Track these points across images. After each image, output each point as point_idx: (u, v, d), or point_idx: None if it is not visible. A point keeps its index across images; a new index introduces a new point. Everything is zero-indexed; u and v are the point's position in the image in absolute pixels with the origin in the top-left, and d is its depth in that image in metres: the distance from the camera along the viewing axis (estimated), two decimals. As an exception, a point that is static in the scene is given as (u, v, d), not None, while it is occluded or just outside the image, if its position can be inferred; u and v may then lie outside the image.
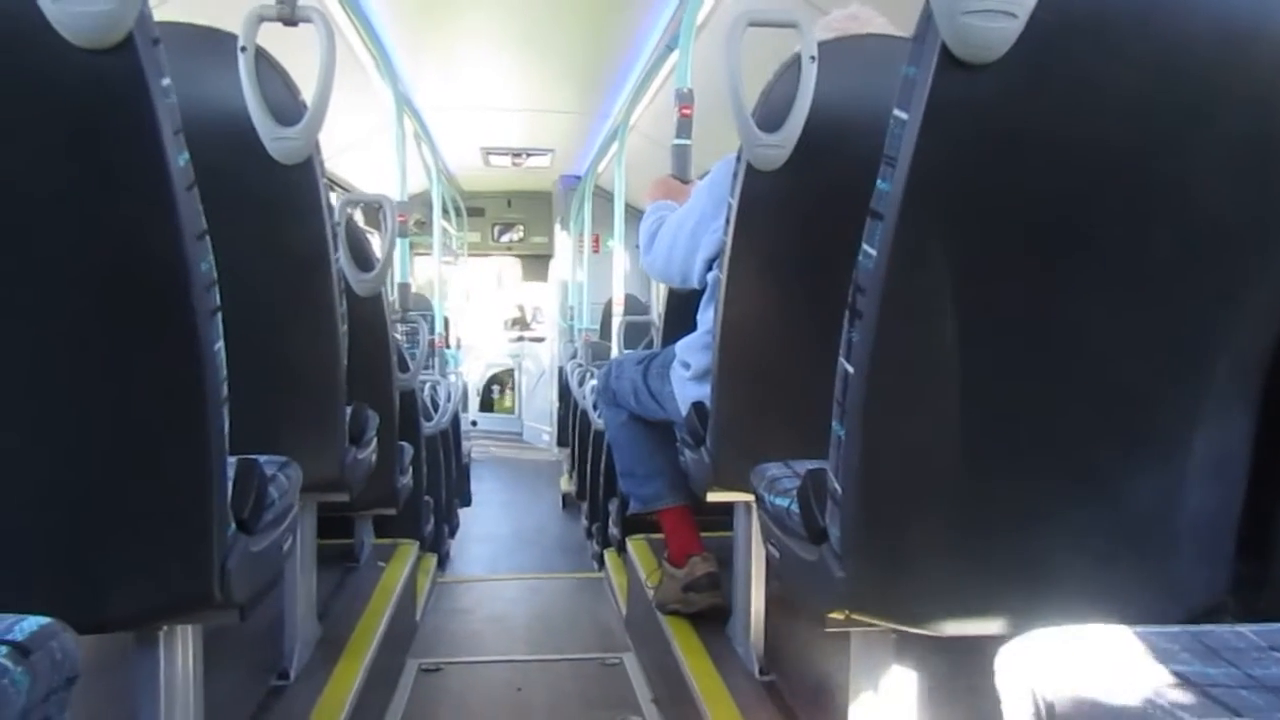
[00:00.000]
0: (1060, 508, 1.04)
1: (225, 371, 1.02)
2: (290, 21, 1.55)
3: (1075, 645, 0.72)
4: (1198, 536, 1.06)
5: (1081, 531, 1.04)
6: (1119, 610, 1.00)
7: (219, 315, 1.00)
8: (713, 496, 1.78)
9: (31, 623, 0.76)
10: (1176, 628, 0.76)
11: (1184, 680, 0.66)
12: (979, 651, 1.10)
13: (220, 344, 1.00)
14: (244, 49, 1.46)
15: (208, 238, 0.97)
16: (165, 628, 1.18)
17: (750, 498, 1.57)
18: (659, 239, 2.05)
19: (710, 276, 1.86)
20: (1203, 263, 0.96)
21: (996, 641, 0.84)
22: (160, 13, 0.91)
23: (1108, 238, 0.94)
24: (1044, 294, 0.96)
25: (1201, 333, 0.99)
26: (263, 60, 1.48)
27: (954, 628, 1.10)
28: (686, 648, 2.01)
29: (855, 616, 1.09)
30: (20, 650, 0.71)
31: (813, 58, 1.49)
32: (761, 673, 1.85)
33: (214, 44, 1.48)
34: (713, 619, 2.13)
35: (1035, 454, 1.02)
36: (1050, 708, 0.69)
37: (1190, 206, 0.93)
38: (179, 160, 0.91)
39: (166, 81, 0.89)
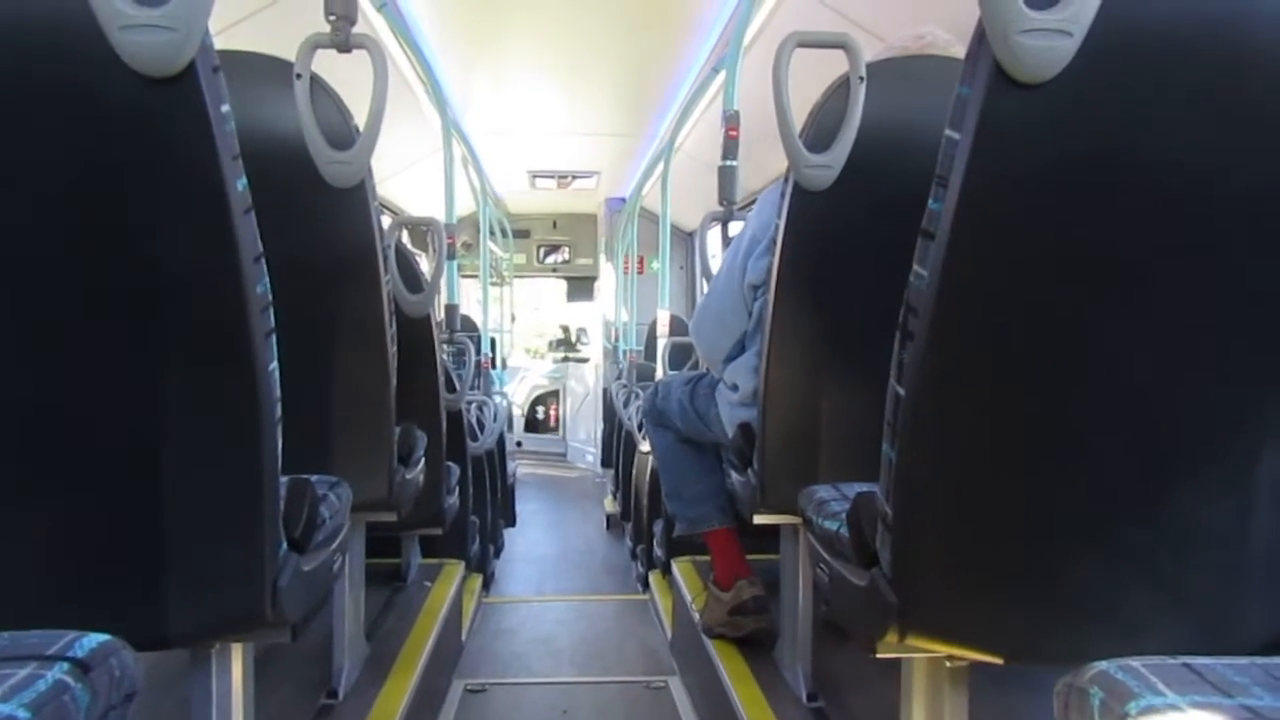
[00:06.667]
0: (1121, 533, 1.01)
1: (280, 392, 1.03)
2: (344, 49, 1.58)
3: (1139, 677, 0.70)
4: (1268, 566, 1.03)
5: (1144, 559, 1.01)
6: (1183, 642, 0.97)
7: (274, 337, 1.01)
8: (760, 519, 1.77)
9: (92, 640, 0.77)
10: (1245, 659, 0.73)
11: (1254, 714, 0.63)
12: (1035, 681, 1.08)
13: (275, 365, 1.02)
14: (299, 76, 1.49)
15: (264, 261, 0.99)
16: (218, 645, 1.19)
17: (798, 520, 1.55)
18: (701, 307, 2.05)
19: (756, 304, 1.86)
20: (1270, 285, 0.93)
21: (1054, 670, 0.82)
22: (219, 41, 0.93)
23: (1168, 259, 0.92)
24: (1102, 316, 0.94)
25: (1268, 357, 0.96)
26: (317, 87, 1.52)
27: (1010, 656, 1.07)
28: (733, 672, 1.99)
29: (908, 642, 1.07)
30: (81, 667, 0.73)
31: (861, 78, 1.49)
32: (809, 698, 1.83)
33: (270, 71, 1.52)
34: (759, 643, 2.11)
35: (1094, 479, 1.00)
36: (1113, 741, 0.67)
37: (1255, 229, 0.91)
38: (237, 185, 0.93)
39: (226, 108, 0.91)
